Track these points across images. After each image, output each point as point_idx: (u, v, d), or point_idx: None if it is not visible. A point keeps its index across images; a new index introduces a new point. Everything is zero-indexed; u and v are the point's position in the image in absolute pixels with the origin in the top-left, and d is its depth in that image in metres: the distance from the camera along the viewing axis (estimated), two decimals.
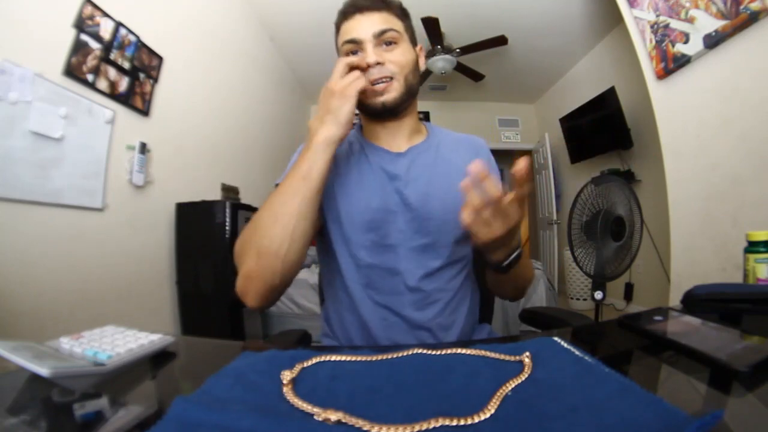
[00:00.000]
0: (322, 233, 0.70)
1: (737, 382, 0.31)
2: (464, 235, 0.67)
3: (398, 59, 0.66)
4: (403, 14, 0.70)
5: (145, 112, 1.85)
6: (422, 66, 0.73)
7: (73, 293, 1.44)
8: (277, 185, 0.61)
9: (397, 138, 0.72)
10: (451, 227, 0.67)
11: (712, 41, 1.50)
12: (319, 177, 0.57)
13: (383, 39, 0.65)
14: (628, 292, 3.19)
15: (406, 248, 0.66)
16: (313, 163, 0.56)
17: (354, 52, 0.66)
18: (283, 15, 2.96)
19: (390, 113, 0.68)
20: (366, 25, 0.65)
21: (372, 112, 0.69)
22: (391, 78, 0.65)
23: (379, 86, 0.65)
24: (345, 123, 0.58)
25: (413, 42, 0.71)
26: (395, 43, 0.67)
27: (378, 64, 0.64)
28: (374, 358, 0.38)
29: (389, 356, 0.38)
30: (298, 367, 0.35)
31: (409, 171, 0.69)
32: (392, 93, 0.66)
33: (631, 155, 3.23)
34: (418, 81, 0.70)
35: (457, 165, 0.70)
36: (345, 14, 0.68)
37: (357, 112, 0.64)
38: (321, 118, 0.59)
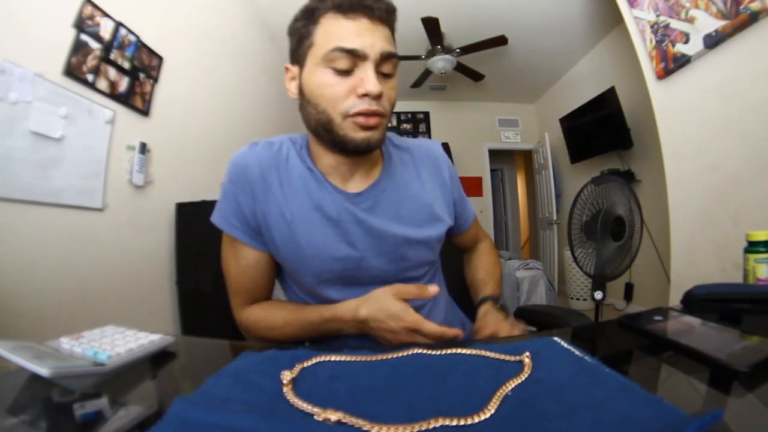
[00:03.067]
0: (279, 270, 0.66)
1: (737, 382, 0.31)
2: (435, 249, 0.66)
3: (392, 95, 0.55)
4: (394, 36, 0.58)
5: (145, 112, 1.84)
6: None
7: (73, 293, 1.44)
8: (215, 224, 0.63)
9: (355, 175, 0.62)
10: (426, 256, 0.64)
11: (712, 41, 1.50)
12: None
13: (385, 66, 0.53)
14: (628, 292, 3.19)
15: (379, 285, 0.61)
16: (332, 331, 0.57)
17: (345, 71, 0.51)
18: (283, 15, 2.96)
19: (369, 152, 0.57)
20: (375, 39, 0.51)
21: (350, 148, 0.55)
22: (384, 115, 0.54)
23: (372, 120, 0.52)
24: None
25: None
26: (392, 74, 0.55)
27: (378, 96, 0.52)
28: (374, 358, 0.38)
29: (389, 356, 0.38)
30: (298, 367, 0.35)
31: (374, 215, 0.60)
32: (380, 131, 0.55)
33: (631, 155, 3.23)
34: None
35: (422, 195, 0.65)
36: (342, 7, 0.51)
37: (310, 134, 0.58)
38: (376, 320, 0.53)
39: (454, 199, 0.71)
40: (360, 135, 0.53)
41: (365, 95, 0.51)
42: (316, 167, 0.60)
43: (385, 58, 0.52)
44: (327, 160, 0.60)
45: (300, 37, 0.55)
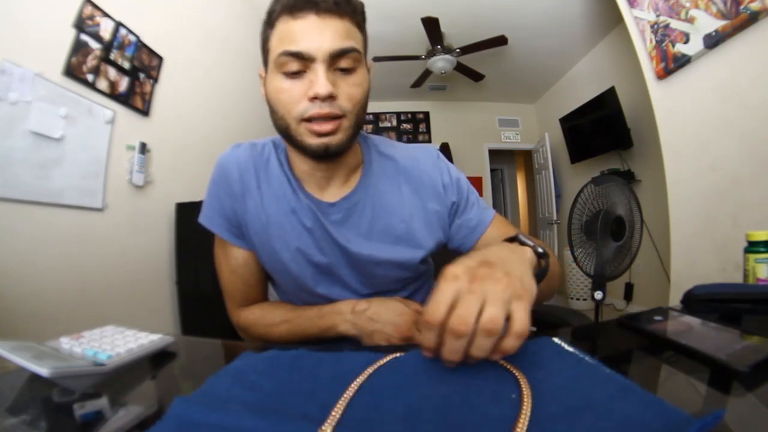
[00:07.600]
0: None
1: (737, 382, 0.31)
2: (412, 269, 0.63)
3: (354, 92, 0.51)
4: (364, 22, 0.54)
5: (145, 112, 1.85)
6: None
7: (73, 293, 1.44)
8: (202, 224, 0.63)
9: (330, 182, 0.60)
10: (398, 274, 0.62)
11: (712, 41, 1.50)
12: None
13: (342, 62, 0.50)
14: (628, 292, 3.19)
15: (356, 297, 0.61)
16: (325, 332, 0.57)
17: (295, 73, 0.49)
18: None
19: (331, 157, 0.54)
20: (323, 37, 0.48)
21: (309, 154, 0.53)
22: (342, 116, 0.50)
23: (326, 126, 0.50)
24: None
25: (365, 57, 0.56)
26: (353, 69, 0.51)
27: (330, 97, 0.49)
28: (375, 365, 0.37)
29: (388, 358, 0.38)
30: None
31: (344, 228, 0.59)
32: (339, 135, 0.51)
33: (631, 155, 3.23)
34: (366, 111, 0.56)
35: (398, 211, 0.61)
36: (291, 7, 0.48)
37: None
38: (368, 320, 0.55)
39: (451, 201, 0.63)
40: (315, 141, 0.51)
41: (315, 98, 0.48)
42: (292, 173, 0.60)
43: (338, 55, 0.49)
44: (301, 165, 0.59)
45: (263, 42, 0.54)
